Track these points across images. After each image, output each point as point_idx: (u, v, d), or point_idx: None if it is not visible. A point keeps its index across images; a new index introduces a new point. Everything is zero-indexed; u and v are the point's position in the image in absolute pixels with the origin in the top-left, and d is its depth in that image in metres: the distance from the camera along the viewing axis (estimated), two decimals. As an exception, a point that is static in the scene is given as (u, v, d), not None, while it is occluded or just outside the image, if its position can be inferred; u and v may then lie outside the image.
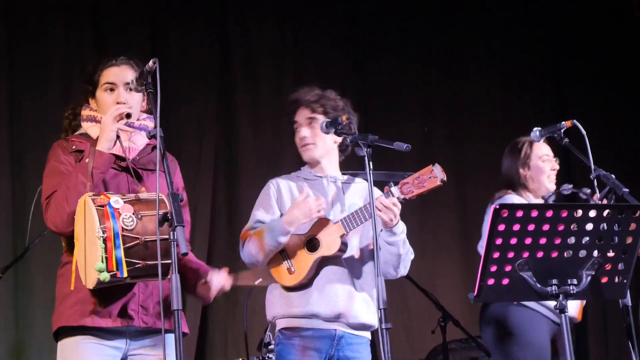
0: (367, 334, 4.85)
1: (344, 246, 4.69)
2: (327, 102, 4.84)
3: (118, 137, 4.16)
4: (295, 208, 4.64)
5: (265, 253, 4.69)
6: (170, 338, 3.79)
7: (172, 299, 3.65)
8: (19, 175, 6.98)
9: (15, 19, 7.17)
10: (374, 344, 7.35)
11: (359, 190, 4.72)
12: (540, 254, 4.00)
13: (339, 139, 4.83)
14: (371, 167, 4.30)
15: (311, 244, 4.72)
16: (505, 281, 4.02)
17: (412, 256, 4.82)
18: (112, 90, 4.27)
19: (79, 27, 7.38)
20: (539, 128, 4.95)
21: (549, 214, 3.97)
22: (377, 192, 4.61)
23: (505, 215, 3.93)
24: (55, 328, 4.15)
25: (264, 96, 7.41)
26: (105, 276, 3.83)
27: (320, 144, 4.84)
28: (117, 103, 4.22)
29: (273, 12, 8.12)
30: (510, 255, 3.98)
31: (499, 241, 3.96)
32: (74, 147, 4.23)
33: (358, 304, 4.74)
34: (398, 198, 4.52)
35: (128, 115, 4.15)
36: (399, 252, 4.68)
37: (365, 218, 4.60)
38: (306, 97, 4.87)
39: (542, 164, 5.45)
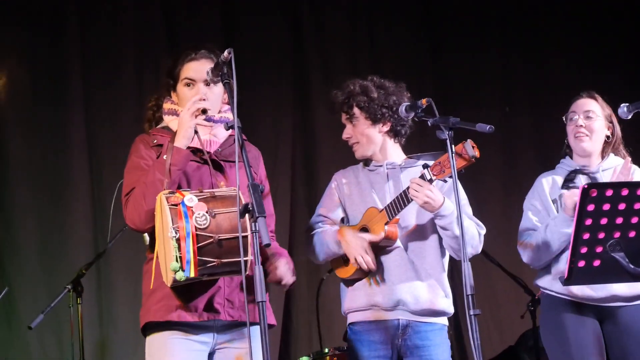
0: (440, 320, 4.77)
1: (391, 234, 4.66)
2: (357, 97, 4.82)
3: (196, 132, 4.14)
4: (352, 250, 4.66)
5: (318, 257, 4.82)
6: (255, 330, 3.74)
7: (256, 291, 3.60)
8: (97, 172, 7.04)
9: (87, 15, 7.20)
10: (459, 331, 7.39)
11: (415, 173, 4.64)
12: (632, 234, 3.92)
13: (386, 128, 4.81)
14: (454, 150, 4.21)
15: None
16: (597, 263, 3.95)
17: (482, 231, 4.73)
18: (191, 84, 4.25)
19: (151, 16, 7.41)
20: (627, 104, 4.80)
21: (641, 192, 3.86)
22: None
23: (595, 195, 3.84)
24: (142, 324, 4.14)
25: (339, 84, 7.41)
26: (181, 275, 3.82)
27: (364, 140, 4.84)
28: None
29: (346, 0, 8.05)
30: (601, 235, 3.90)
31: (588, 222, 3.88)
32: (155, 141, 4.22)
33: (420, 290, 4.69)
34: (430, 180, 4.46)
35: (204, 111, 4.12)
36: (455, 234, 4.58)
37: (404, 203, 4.58)
38: (338, 100, 4.89)
39: (569, 123, 5.07)
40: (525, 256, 4.95)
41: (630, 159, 4.95)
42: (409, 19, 8.18)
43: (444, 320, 4.79)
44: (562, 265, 4.84)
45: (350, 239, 4.68)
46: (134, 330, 4.24)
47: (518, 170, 8.01)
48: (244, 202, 3.71)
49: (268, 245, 3.59)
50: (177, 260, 3.80)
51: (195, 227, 3.83)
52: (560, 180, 5.03)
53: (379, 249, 4.70)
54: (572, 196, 4.75)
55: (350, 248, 4.66)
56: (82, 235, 6.91)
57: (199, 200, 3.89)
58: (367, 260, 4.62)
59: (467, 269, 4.01)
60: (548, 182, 5.06)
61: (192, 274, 3.81)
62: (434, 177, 4.45)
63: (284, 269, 4.20)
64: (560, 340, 4.88)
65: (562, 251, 4.86)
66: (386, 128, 4.83)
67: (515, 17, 8.33)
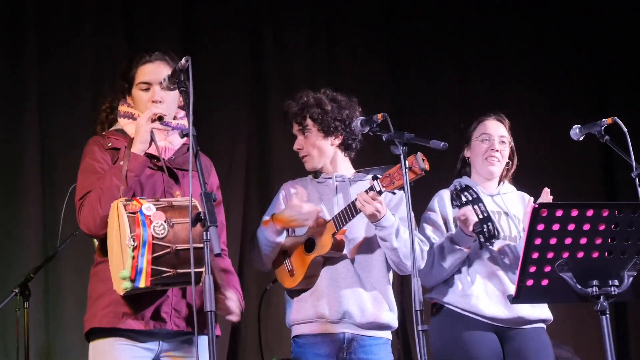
0: (384, 334, 4.78)
1: (338, 244, 4.66)
2: (311, 109, 4.83)
3: (153, 136, 4.11)
4: (287, 209, 4.68)
5: (263, 252, 4.76)
6: (202, 340, 3.73)
7: (205, 300, 3.59)
8: (49, 175, 6.96)
9: (46, 19, 7.15)
10: (408, 346, 7.40)
11: (364, 187, 4.66)
12: (580, 254, 3.94)
13: (338, 141, 4.84)
14: (407, 165, 4.24)
15: (309, 244, 4.73)
16: (545, 282, 3.97)
17: (425, 247, 4.77)
18: (147, 89, 4.23)
19: (110, 29, 7.36)
20: (579, 125, 4.86)
21: (590, 213, 3.91)
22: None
23: (545, 214, 3.87)
24: (87, 329, 4.11)
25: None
26: (127, 285, 3.80)
27: (315, 153, 4.86)
28: (153, 102, 4.18)
29: (306, 15, 8.06)
30: (550, 255, 3.93)
31: (538, 241, 3.91)
32: (110, 144, 4.19)
33: (366, 302, 4.69)
34: (380, 191, 4.48)
35: (160, 118, 4.10)
36: (393, 246, 4.61)
37: (352, 214, 4.59)
38: (291, 110, 4.89)
39: (480, 144, 5.14)
40: (422, 274, 4.86)
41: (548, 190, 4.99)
42: (369, 36, 8.19)
43: (388, 335, 4.80)
44: (467, 283, 4.93)
45: (284, 211, 4.69)
46: (81, 336, 4.20)
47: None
48: (200, 206, 3.68)
49: (219, 254, 3.58)
50: (129, 269, 3.77)
51: (153, 236, 3.80)
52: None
53: (326, 259, 4.71)
54: (467, 213, 4.79)
55: (290, 213, 4.64)
56: (31, 238, 6.83)
57: (157, 209, 3.86)
58: (307, 207, 4.62)
59: (416, 284, 4.04)
60: (448, 199, 5.08)
61: (143, 284, 3.79)
62: (383, 189, 4.47)
63: (234, 305, 4.19)
64: (459, 356, 4.92)
65: (461, 269, 4.95)
66: (338, 141, 4.85)
67: (475, 35, 8.38)
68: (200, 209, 3.69)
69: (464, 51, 8.38)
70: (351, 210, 4.59)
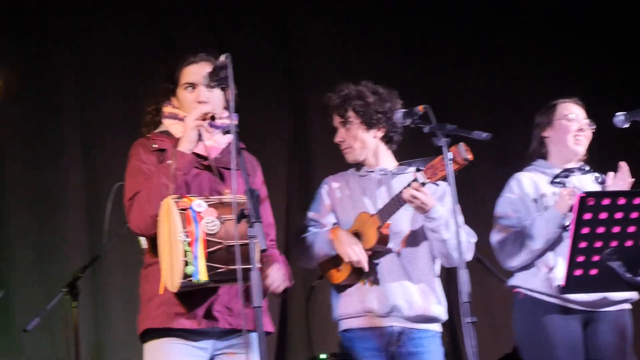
0: (433, 327, 4.78)
1: (383, 238, 4.65)
2: (353, 101, 4.84)
3: (200, 135, 4.11)
4: (344, 246, 4.65)
5: (316, 258, 4.80)
6: (254, 337, 3.74)
7: (252, 296, 3.60)
8: (91, 175, 7.01)
9: (84, 19, 7.20)
10: (455, 338, 7.37)
11: (407, 179, 4.64)
12: (629, 243, 3.93)
13: (380, 133, 4.83)
14: (450, 157, 4.22)
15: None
16: (594, 271, 3.95)
17: (473, 239, 4.76)
18: (192, 88, 4.24)
19: (145, 30, 7.42)
20: (624, 112, 4.82)
21: (637, 201, 3.89)
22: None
23: (592, 203, 3.85)
24: (141, 330, 4.12)
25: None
26: (198, 279, 3.80)
27: (357, 145, 4.86)
28: (199, 102, 4.19)
29: (335, 11, 8.06)
30: (598, 244, 3.91)
31: (585, 230, 3.89)
32: (155, 145, 4.19)
33: (414, 296, 4.69)
34: (423, 183, 4.47)
35: (212, 117, 4.12)
36: (442, 237, 4.60)
37: (397, 207, 4.59)
38: (333, 102, 4.89)
39: (567, 123, 5.15)
40: (507, 255, 4.97)
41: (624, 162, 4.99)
42: (396, 29, 8.17)
43: (437, 327, 4.79)
44: (549, 268, 4.91)
45: (344, 237, 4.68)
46: (130, 333, 4.23)
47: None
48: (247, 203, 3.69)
49: (265, 250, 3.60)
50: (191, 264, 3.78)
51: (205, 232, 3.81)
52: (540, 179, 5.08)
53: (372, 254, 4.70)
54: (572, 195, 4.79)
55: (344, 245, 4.65)
56: (77, 238, 6.88)
57: (208, 206, 3.88)
58: (358, 252, 4.61)
59: (464, 276, 4.02)
60: (527, 181, 5.10)
61: (203, 279, 3.80)
62: (427, 181, 4.46)
63: (275, 275, 4.15)
64: (545, 345, 4.90)
65: (545, 252, 4.91)
66: (380, 134, 4.85)
67: (504, 27, 8.34)
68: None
69: (491, 44, 8.33)
70: (395, 204, 4.58)
